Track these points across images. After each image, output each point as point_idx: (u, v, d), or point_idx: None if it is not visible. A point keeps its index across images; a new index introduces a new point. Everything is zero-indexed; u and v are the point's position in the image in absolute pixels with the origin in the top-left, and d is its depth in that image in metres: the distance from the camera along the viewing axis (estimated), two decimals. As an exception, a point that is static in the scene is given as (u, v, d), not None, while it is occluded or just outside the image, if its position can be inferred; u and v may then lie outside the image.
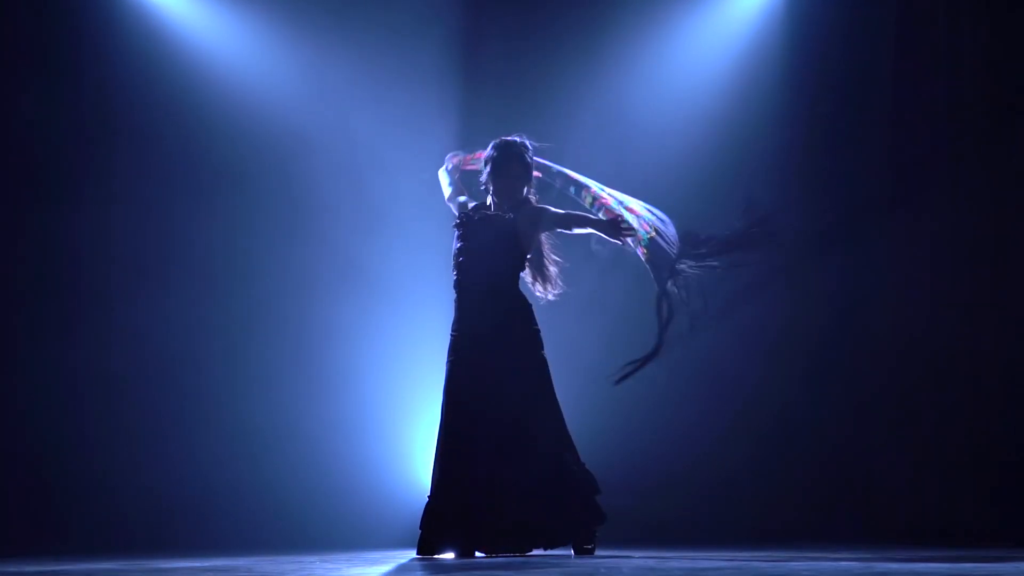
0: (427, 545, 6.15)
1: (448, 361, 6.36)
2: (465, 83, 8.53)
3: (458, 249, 6.41)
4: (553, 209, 6.45)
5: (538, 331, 6.37)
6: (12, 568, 5.85)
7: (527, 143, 6.46)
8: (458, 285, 6.39)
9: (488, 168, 6.44)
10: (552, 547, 6.22)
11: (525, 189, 6.45)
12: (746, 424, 8.27)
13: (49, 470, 8.02)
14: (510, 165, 6.40)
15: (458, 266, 6.40)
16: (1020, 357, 7.56)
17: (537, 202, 6.50)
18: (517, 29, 8.62)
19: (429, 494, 6.22)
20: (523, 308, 6.38)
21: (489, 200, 6.48)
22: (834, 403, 8.15)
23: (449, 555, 6.12)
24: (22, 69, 8.18)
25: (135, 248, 8.28)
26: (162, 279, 8.27)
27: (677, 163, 8.41)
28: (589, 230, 6.38)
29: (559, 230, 6.48)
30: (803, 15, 8.39)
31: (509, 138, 6.47)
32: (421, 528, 6.19)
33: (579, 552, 6.17)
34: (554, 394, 6.32)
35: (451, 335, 6.40)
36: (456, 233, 6.45)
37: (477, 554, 6.13)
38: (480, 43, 8.59)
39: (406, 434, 8.10)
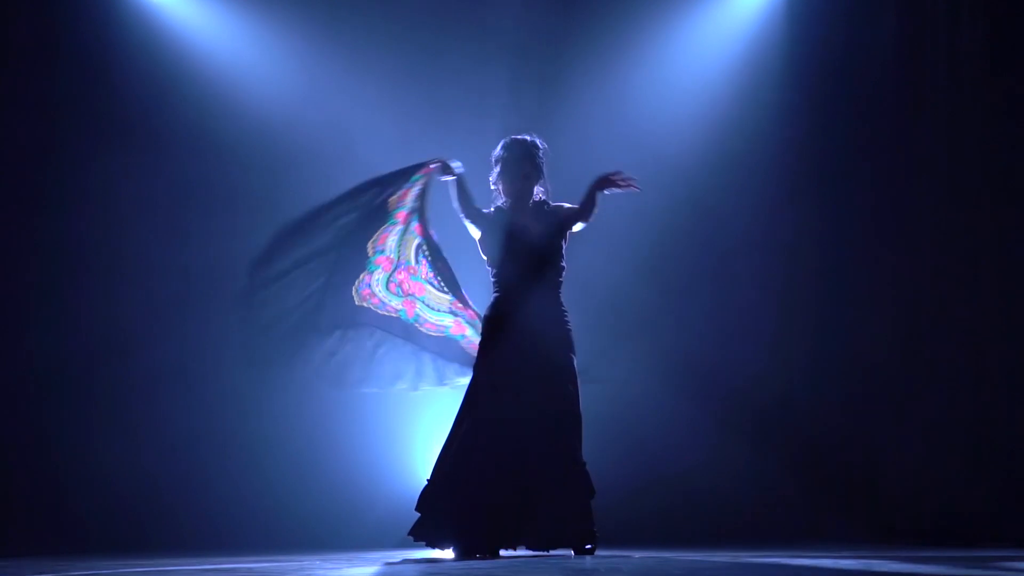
0: (425, 533, 6.06)
1: (476, 359, 6.23)
2: (470, 86, 8.52)
3: (503, 250, 6.26)
4: (568, 205, 6.35)
5: (571, 331, 6.28)
6: (12, 568, 5.86)
7: (537, 141, 6.36)
8: (500, 284, 6.27)
9: (498, 168, 6.33)
10: (550, 548, 6.11)
11: (536, 188, 6.37)
12: (747, 424, 8.28)
13: (49, 471, 8.01)
14: (521, 163, 6.30)
15: (501, 265, 6.26)
16: (1022, 357, 7.56)
17: (552, 199, 6.38)
18: (518, 30, 8.63)
19: (428, 479, 6.12)
20: (562, 311, 6.29)
21: (500, 201, 6.35)
22: (835, 403, 8.15)
23: (448, 552, 6.10)
24: (23, 72, 8.21)
25: (136, 251, 8.28)
26: (164, 280, 8.28)
27: (678, 162, 8.42)
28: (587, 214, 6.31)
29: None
30: (804, 16, 8.40)
31: (519, 136, 6.37)
32: (420, 512, 6.07)
33: (579, 552, 6.12)
34: (578, 401, 6.22)
35: (482, 317, 6.27)
36: (499, 239, 6.26)
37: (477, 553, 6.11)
38: (482, 46, 8.58)
39: (407, 434, 8.10)
